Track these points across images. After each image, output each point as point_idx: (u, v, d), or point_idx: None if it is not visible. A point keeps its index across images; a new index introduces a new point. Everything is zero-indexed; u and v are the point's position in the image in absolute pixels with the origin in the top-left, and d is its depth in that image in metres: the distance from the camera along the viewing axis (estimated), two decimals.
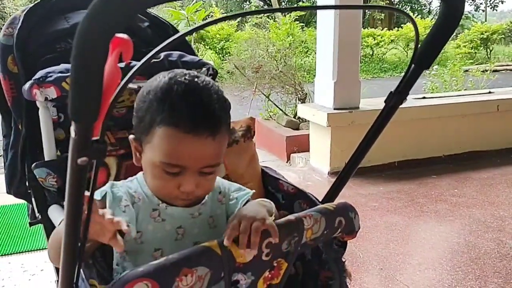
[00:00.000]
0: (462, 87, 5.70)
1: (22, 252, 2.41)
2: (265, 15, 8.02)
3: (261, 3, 22.03)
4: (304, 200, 1.19)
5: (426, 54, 0.89)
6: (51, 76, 1.13)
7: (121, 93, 0.60)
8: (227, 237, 0.83)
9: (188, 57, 1.34)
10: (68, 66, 1.18)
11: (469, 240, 2.56)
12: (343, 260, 1.12)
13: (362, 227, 1.07)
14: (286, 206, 1.25)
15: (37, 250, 2.43)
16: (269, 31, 6.08)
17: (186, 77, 0.91)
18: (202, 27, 0.60)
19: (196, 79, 0.91)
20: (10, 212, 2.92)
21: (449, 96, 4.32)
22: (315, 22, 4.07)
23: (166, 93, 0.88)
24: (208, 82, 0.93)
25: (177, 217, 0.98)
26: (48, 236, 1.18)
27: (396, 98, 0.97)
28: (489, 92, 4.36)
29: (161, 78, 0.91)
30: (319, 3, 3.69)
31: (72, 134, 0.60)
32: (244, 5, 22.47)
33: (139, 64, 0.60)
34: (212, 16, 9.91)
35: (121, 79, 0.59)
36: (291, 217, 0.93)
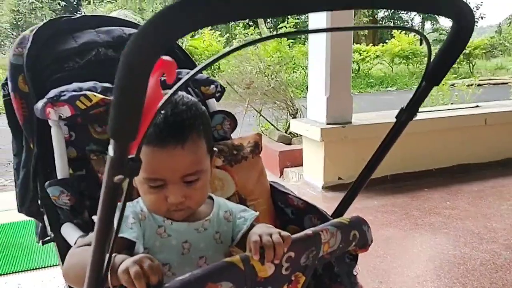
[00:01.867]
0: (448, 101, 5.82)
1: (19, 271, 2.38)
2: (252, 32, 8.12)
3: (250, 22, 22.25)
4: (315, 215, 1.21)
5: (436, 70, 0.92)
6: (64, 95, 1.15)
7: (159, 113, 0.62)
8: (255, 251, 0.85)
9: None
10: (80, 85, 1.20)
11: (465, 252, 2.60)
12: (355, 273, 1.14)
13: None
14: (296, 221, 1.27)
15: (34, 269, 2.40)
16: (257, 47, 6.16)
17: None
18: (231, 52, 0.62)
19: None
20: (5, 231, 2.88)
21: (437, 110, 4.41)
22: (301, 38, 4.13)
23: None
24: (181, 98, 0.96)
25: (183, 232, 1.00)
26: (61, 254, 1.18)
27: (407, 114, 1.00)
28: (477, 106, 4.46)
29: None
30: (312, 24, 3.75)
31: (111, 152, 0.62)
32: (229, 23, 22.63)
33: (176, 86, 0.62)
34: (200, 32, 9.99)
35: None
36: (308, 231, 0.95)
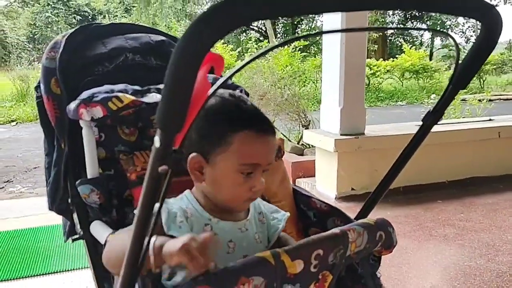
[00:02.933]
0: (460, 116, 5.82)
1: (37, 275, 2.40)
2: (266, 45, 8.19)
3: (257, 35, 22.50)
4: (338, 217, 1.23)
5: (463, 75, 0.94)
6: (97, 96, 1.18)
7: (204, 107, 0.64)
8: None
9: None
10: (112, 86, 1.24)
11: (480, 264, 2.58)
12: (378, 275, 1.15)
13: None
14: (318, 224, 1.29)
15: (52, 273, 2.42)
16: (269, 60, 6.25)
17: (226, 94, 1.01)
18: (263, 53, 0.65)
19: (231, 93, 1.02)
20: (23, 237, 2.92)
21: (451, 123, 4.41)
22: (311, 52, 4.20)
23: (224, 106, 0.97)
24: (241, 95, 1.04)
25: (228, 231, 1.02)
26: (90, 251, 1.20)
27: (433, 117, 1.02)
28: (490, 120, 4.46)
29: (212, 101, 0.97)
30: (326, 29, 3.80)
31: (156, 143, 0.64)
32: (241, 37, 22.92)
33: (221, 80, 0.65)
34: (215, 48, 10.09)
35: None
36: (336, 230, 0.97)
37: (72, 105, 1.19)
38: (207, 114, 0.95)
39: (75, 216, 1.24)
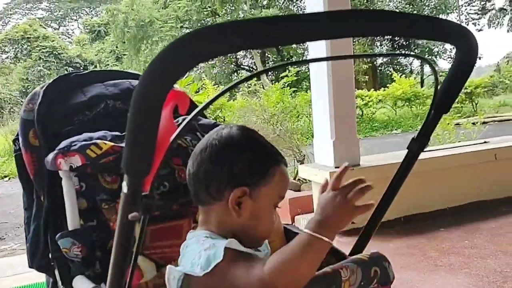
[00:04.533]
0: (455, 140, 5.81)
1: None
2: (255, 83, 8.31)
3: (248, 73, 22.85)
4: (332, 254, 1.17)
5: (444, 99, 0.92)
6: (75, 145, 1.15)
7: (171, 148, 0.61)
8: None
9: (204, 120, 1.38)
10: (91, 134, 1.21)
11: None
12: None
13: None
14: None
15: None
16: (260, 98, 6.30)
17: (243, 128, 1.02)
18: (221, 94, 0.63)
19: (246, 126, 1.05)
20: None
21: (446, 148, 4.38)
22: (303, 87, 4.23)
23: (253, 140, 0.99)
24: None
25: None
26: None
27: (418, 144, 0.99)
28: (485, 142, 4.44)
29: (235, 132, 0.97)
30: (312, 64, 3.83)
31: (124, 189, 0.61)
32: (232, 77, 23.25)
33: (184, 122, 0.62)
34: (204, 87, 10.20)
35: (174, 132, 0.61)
36: (327, 269, 0.93)
37: (50, 156, 1.16)
38: (239, 146, 0.95)
39: (56, 272, 1.18)
